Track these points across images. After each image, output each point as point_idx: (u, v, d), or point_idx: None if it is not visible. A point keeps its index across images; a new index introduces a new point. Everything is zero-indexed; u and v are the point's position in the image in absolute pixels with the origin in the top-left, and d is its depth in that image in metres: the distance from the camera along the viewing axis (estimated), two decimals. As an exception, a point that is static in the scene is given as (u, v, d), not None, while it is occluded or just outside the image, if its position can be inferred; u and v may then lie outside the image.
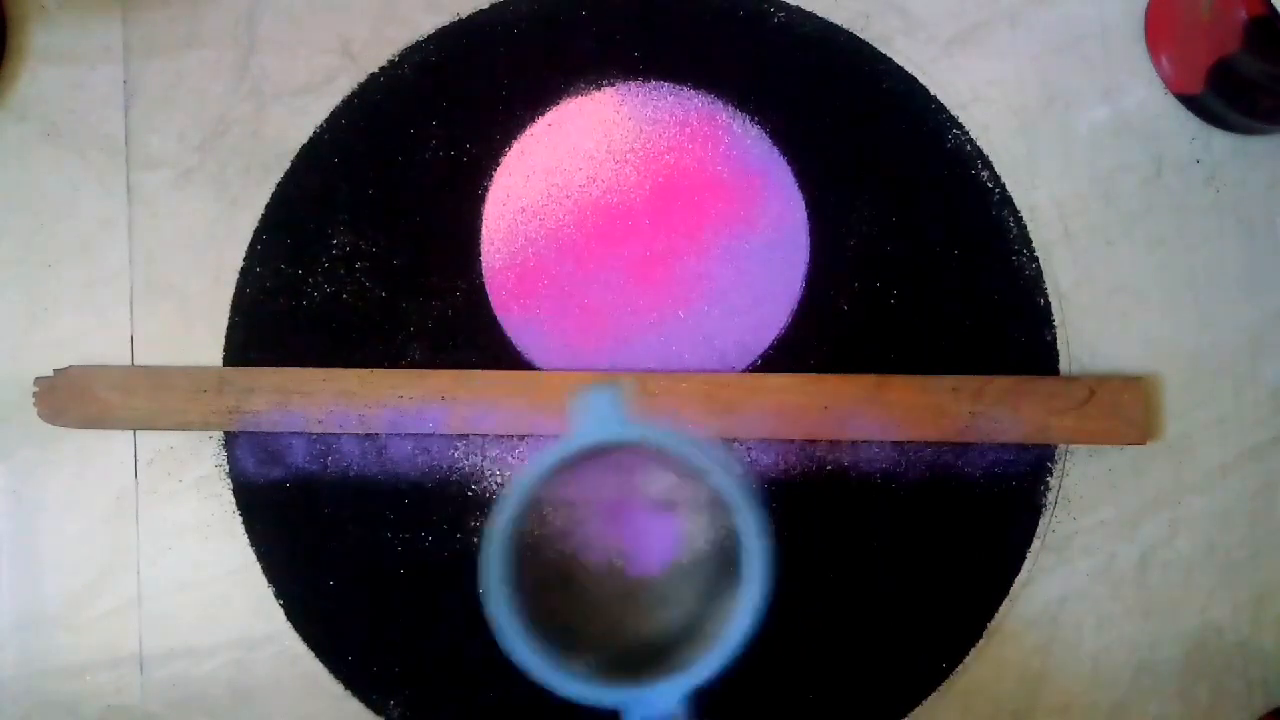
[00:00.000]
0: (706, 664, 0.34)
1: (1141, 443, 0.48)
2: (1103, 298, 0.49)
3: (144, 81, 0.50)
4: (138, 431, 0.49)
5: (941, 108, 0.50)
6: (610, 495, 0.39)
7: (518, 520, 0.36)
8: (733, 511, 0.35)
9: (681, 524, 0.39)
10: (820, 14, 0.50)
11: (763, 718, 0.48)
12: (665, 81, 0.50)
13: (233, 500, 0.49)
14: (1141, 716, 0.48)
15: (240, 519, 0.49)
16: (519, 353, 0.49)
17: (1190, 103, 0.49)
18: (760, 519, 0.35)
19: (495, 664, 0.48)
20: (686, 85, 0.50)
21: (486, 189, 0.50)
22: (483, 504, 0.49)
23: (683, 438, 0.35)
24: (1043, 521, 0.48)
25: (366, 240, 0.49)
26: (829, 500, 0.48)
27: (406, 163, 0.50)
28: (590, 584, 0.39)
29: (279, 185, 0.50)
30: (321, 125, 0.50)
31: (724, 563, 0.37)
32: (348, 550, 0.49)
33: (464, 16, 0.50)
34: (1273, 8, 0.42)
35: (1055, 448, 0.48)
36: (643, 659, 0.36)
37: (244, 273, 0.49)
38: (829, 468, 0.48)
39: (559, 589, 0.38)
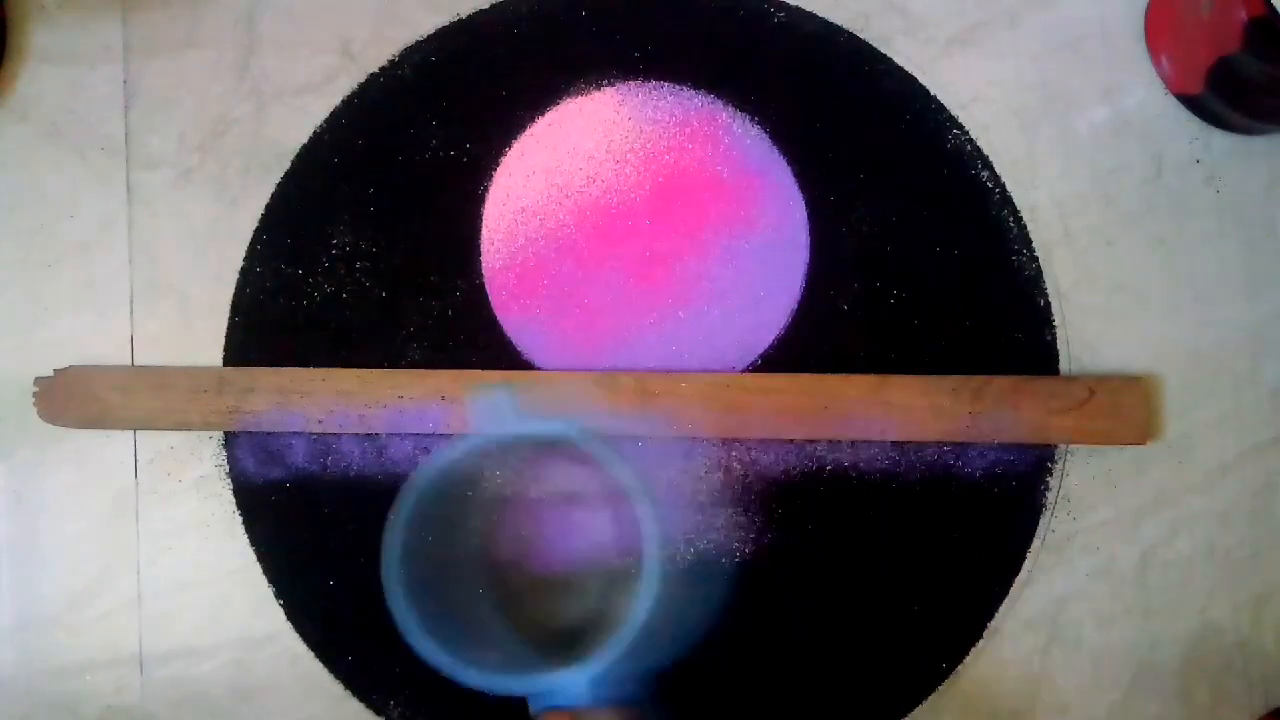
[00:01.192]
0: (608, 650, 0.35)
1: (1141, 443, 0.48)
2: (1103, 298, 0.49)
3: (144, 81, 0.50)
4: (138, 431, 0.49)
5: (941, 108, 0.50)
6: (519, 490, 0.40)
7: (415, 518, 0.37)
8: (631, 501, 0.36)
9: (586, 516, 0.40)
10: (820, 14, 0.50)
11: (764, 716, 0.48)
12: (665, 81, 0.50)
13: (233, 500, 0.49)
14: (1141, 716, 0.48)
15: (240, 519, 0.49)
16: (519, 353, 0.49)
17: (1190, 103, 0.49)
18: (656, 509, 0.36)
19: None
20: (686, 85, 0.50)
21: (486, 189, 0.50)
22: (482, 504, 0.48)
23: (580, 430, 0.36)
24: (1043, 521, 0.48)
25: (366, 240, 0.49)
26: (830, 500, 0.48)
27: (406, 163, 0.50)
28: (499, 577, 0.39)
29: (279, 185, 0.50)
30: (321, 125, 0.50)
31: (627, 553, 0.38)
32: (348, 550, 0.49)
33: (464, 16, 0.50)
34: (1273, 8, 0.42)
35: (1055, 448, 0.48)
36: (553, 648, 0.37)
37: (244, 273, 0.49)
38: (829, 468, 0.48)
39: (469, 583, 0.39)
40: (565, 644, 0.37)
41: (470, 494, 0.39)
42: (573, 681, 0.35)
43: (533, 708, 0.36)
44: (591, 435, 0.36)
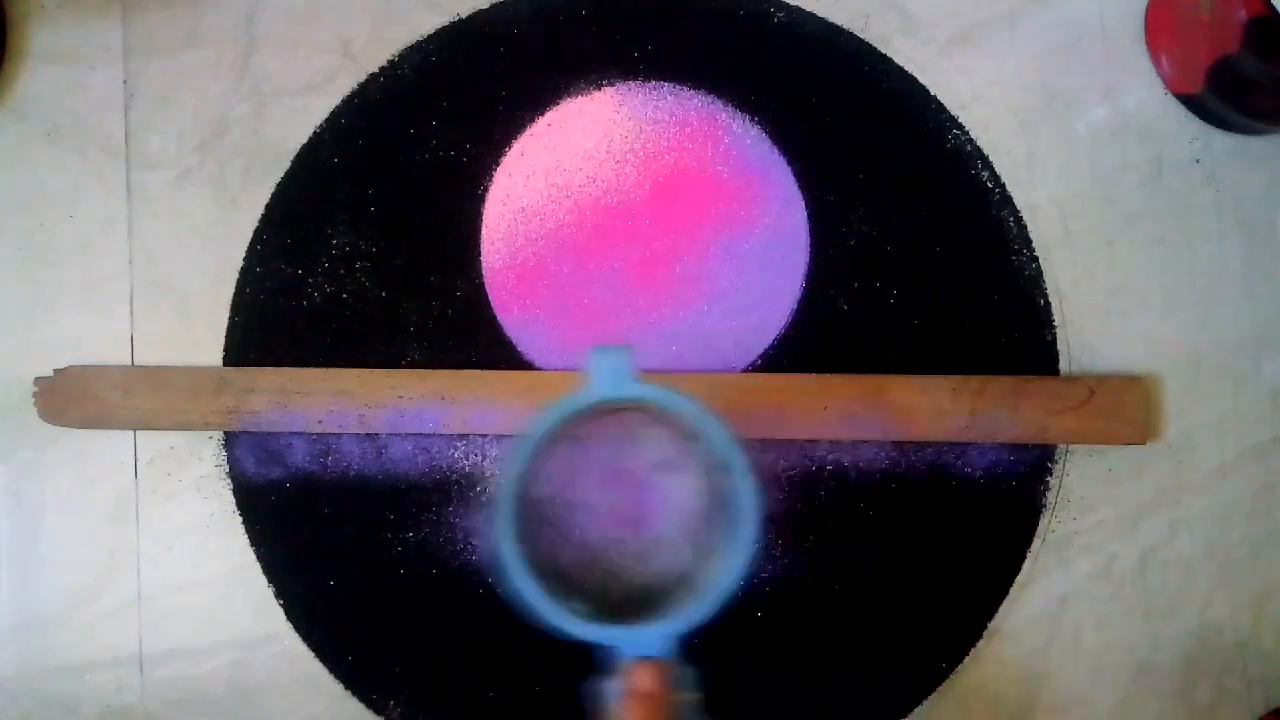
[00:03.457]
0: (696, 611, 0.37)
1: (1141, 443, 0.48)
2: (1103, 298, 0.49)
3: (144, 81, 0.50)
4: (138, 431, 0.49)
5: (941, 108, 0.50)
6: (614, 452, 0.42)
7: (527, 470, 0.38)
8: (727, 472, 0.38)
9: (680, 482, 0.41)
10: (820, 14, 0.50)
11: (764, 717, 0.48)
12: (665, 81, 0.50)
13: (233, 500, 0.49)
14: (1141, 716, 0.48)
15: (240, 519, 0.49)
16: (519, 353, 0.49)
17: (1190, 103, 0.49)
18: (752, 480, 0.37)
19: (495, 663, 0.48)
20: (686, 85, 0.50)
21: (486, 189, 0.50)
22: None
23: (684, 400, 0.38)
24: (1043, 521, 0.48)
25: (366, 240, 0.49)
26: (829, 500, 0.48)
27: (406, 163, 0.50)
28: (590, 536, 0.41)
29: (279, 185, 0.50)
30: (321, 125, 0.50)
31: (717, 520, 0.39)
32: (348, 550, 0.49)
33: (464, 16, 0.50)
34: (1273, 8, 0.42)
35: (1055, 448, 0.48)
36: (636, 606, 0.39)
37: (244, 273, 0.49)
38: (829, 468, 0.48)
39: (561, 539, 0.41)
40: (643, 603, 0.39)
41: (571, 451, 0.40)
42: (658, 636, 0.37)
43: (617, 656, 0.37)
44: (695, 403, 0.38)
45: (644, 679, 0.36)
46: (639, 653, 0.37)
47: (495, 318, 0.49)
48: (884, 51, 0.50)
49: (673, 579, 0.40)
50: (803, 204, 0.49)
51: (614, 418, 0.40)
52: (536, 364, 0.49)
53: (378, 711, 0.48)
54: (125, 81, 0.50)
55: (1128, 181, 0.50)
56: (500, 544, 0.37)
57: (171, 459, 0.49)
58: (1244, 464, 0.49)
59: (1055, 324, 0.49)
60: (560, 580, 0.39)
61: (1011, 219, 0.49)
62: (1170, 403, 0.49)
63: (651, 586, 0.40)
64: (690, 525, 0.41)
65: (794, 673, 0.48)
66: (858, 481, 0.48)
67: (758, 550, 0.39)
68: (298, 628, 0.49)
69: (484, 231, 0.49)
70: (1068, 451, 0.49)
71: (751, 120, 0.50)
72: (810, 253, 0.49)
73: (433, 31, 0.50)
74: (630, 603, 0.39)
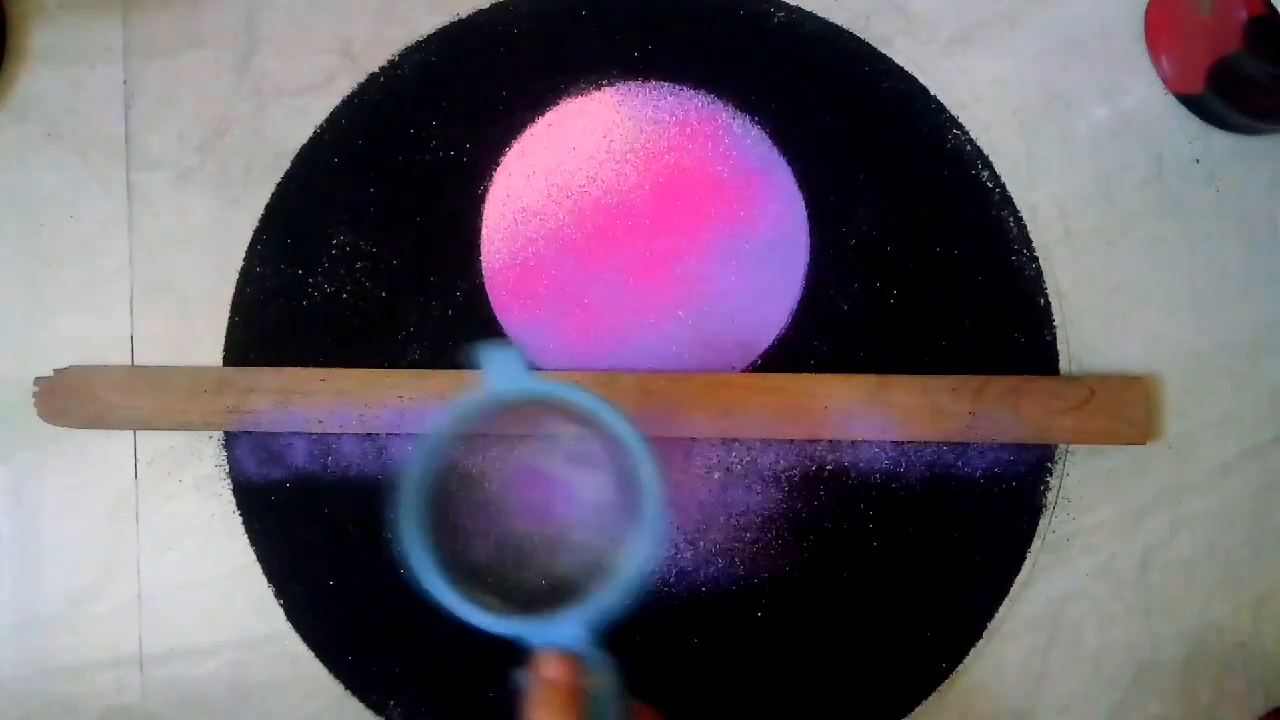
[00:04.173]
0: (606, 598, 0.38)
1: (1141, 443, 0.48)
2: (1103, 298, 0.49)
3: (144, 81, 0.50)
4: (138, 431, 0.49)
5: (941, 108, 0.50)
6: (524, 448, 0.43)
7: (432, 467, 0.39)
8: (630, 461, 0.38)
9: (589, 474, 0.42)
10: (821, 14, 0.50)
11: (764, 716, 0.48)
12: (665, 81, 0.50)
13: (233, 500, 0.49)
14: (1141, 716, 0.48)
15: (240, 519, 0.49)
16: (519, 353, 0.49)
17: (1190, 103, 0.49)
18: (654, 467, 0.38)
19: (495, 664, 0.48)
20: (686, 85, 0.50)
21: (486, 189, 0.50)
22: (485, 504, 0.48)
23: (581, 393, 0.38)
24: (1043, 521, 0.48)
25: (366, 240, 0.49)
26: (829, 500, 0.48)
27: (406, 163, 0.50)
28: (502, 529, 0.42)
29: (279, 185, 0.50)
30: (321, 125, 0.50)
31: (628, 509, 0.40)
32: (348, 550, 0.49)
33: (464, 16, 0.50)
34: (1273, 8, 0.42)
35: (1055, 448, 0.48)
36: (552, 598, 0.39)
37: (244, 273, 0.49)
38: (829, 468, 0.48)
39: (472, 533, 0.41)
40: (558, 593, 0.40)
41: (476, 449, 0.41)
42: (569, 626, 0.38)
43: (531, 646, 0.38)
44: (593, 396, 0.38)
45: (552, 668, 0.37)
46: (552, 643, 0.37)
47: (495, 318, 0.49)
48: (884, 51, 0.50)
49: (587, 570, 0.40)
50: (803, 204, 0.49)
51: (520, 414, 0.41)
52: (537, 364, 0.49)
53: (378, 711, 0.48)
54: (125, 81, 0.50)
55: (1128, 181, 0.50)
56: (406, 543, 0.38)
57: (171, 459, 0.49)
58: (1244, 464, 0.49)
59: (1055, 324, 0.49)
60: (474, 576, 0.39)
61: (1011, 219, 0.49)
62: (1170, 403, 0.49)
63: (566, 578, 0.40)
64: (601, 516, 0.41)
65: (794, 673, 0.48)
66: (858, 481, 0.48)
67: (665, 536, 0.40)
68: (298, 628, 0.49)
69: (484, 231, 0.49)
70: (1068, 451, 0.49)
71: (751, 120, 0.50)
72: (810, 253, 0.49)
73: (433, 31, 0.50)
74: (547, 595, 0.40)
